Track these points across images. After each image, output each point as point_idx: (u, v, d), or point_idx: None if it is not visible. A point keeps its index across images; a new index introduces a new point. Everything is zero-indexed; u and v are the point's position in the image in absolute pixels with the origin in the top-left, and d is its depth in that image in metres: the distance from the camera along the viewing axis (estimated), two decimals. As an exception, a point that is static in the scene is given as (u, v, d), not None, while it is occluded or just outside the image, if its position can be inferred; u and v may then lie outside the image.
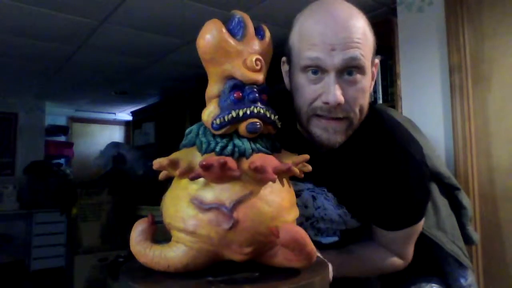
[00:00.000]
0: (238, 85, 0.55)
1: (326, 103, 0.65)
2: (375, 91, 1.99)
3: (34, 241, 3.92)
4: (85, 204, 3.18)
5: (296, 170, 0.56)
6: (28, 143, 4.37)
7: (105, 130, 5.49)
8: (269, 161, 0.54)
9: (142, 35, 2.39)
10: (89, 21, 2.19)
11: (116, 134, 5.57)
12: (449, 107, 1.70)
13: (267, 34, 0.60)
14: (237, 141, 0.54)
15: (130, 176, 3.66)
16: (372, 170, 0.76)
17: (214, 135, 0.56)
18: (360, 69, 0.66)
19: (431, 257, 0.97)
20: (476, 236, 1.06)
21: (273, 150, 0.59)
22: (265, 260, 0.56)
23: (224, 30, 0.55)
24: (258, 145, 0.56)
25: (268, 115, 0.56)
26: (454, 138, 1.69)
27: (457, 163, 1.67)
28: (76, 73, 3.29)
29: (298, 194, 0.81)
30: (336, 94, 0.64)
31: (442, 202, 1.00)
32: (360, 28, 0.67)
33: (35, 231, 3.93)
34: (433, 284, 0.92)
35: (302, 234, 0.52)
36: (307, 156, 0.58)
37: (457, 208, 1.03)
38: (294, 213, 0.58)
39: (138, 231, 0.56)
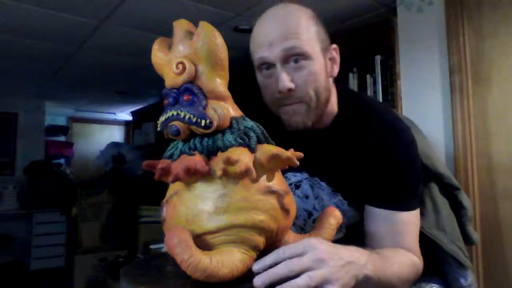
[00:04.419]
0: (165, 93, 0.56)
1: (280, 91, 0.74)
2: (375, 91, 1.99)
3: (34, 241, 3.92)
4: (85, 204, 3.18)
5: (218, 171, 0.51)
6: (28, 143, 4.37)
7: (105, 130, 5.49)
8: (183, 163, 0.52)
9: (142, 35, 2.39)
10: (89, 21, 2.19)
11: (116, 134, 5.57)
12: (449, 107, 1.70)
13: (198, 31, 0.55)
14: (179, 144, 0.57)
15: (130, 176, 3.66)
16: (358, 147, 0.80)
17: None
18: (304, 56, 0.74)
19: (431, 257, 0.97)
20: (476, 236, 1.06)
21: (213, 150, 0.54)
22: None
23: (156, 47, 0.59)
24: (186, 147, 0.55)
25: (182, 116, 0.54)
26: (454, 138, 1.69)
27: (457, 163, 1.67)
28: (76, 73, 3.29)
29: (298, 185, 0.85)
30: (284, 80, 0.73)
31: (442, 202, 1.00)
32: (296, 21, 0.74)
33: (35, 231, 3.93)
34: (433, 284, 0.92)
35: (171, 244, 0.48)
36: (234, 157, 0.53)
37: (457, 208, 1.03)
38: (221, 221, 0.52)
39: None
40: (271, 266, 0.52)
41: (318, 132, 0.82)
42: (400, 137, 0.79)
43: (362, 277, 0.57)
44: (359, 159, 0.79)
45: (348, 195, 0.82)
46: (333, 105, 0.83)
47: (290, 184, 0.86)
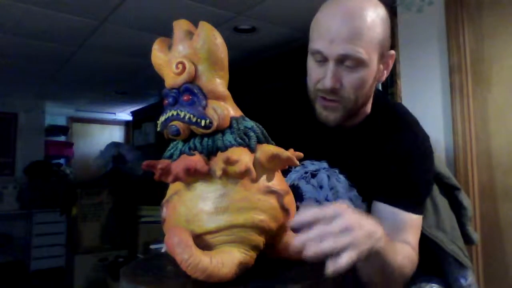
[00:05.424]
0: (164, 93, 0.56)
1: (323, 86, 0.75)
2: (375, 91, 1.99)
3: (34, 241, 3.92)
4: (85, 204, 3.18)
5: (218, 171, 0.51)
6: (28, 143, 4.37)
7: (105, 130, 5.49)
8: (183, 163, 0.51)
9: (142, 35, 2.39)
10: (89, 21, 2.19)
11: (116, 134, 5.57)
12: (449, 107, 1.70)
13: (198, 31, 0.55)
14: (179, 144, 0.56)
15: (130, 176, 3.66)
16: (381, 149, 0.82)
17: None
18: (359, 62, 0.73)
19: (431, 257, 0.97)
20: (476, 236, 1.06)
21: (213, 150, 0.54)
22: None
23: (156, 47, 0.58)
24: (186, 147, 0.55)
25: (182, 116, 0.53)
26: (454, 138, 1.69)
27: (457, 163, 1.67)
28: (76, 73, 3.29)
29: (314, 174, 0.86)
30: (330, 81, 0.73)
31: (442, 202, 1.00)
32: (363, 21, 0.72)
33: (35, 231, 3.93)
34: (433, 284, 0.92)
35: (171, 244, 0.48)
36: (236, 157, 0.53)
37: (457, 208, 1.03)
38: (221, 221, 0.52)
39: None
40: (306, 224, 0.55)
41: (346, 129, 0.84)
42: (421, 148, 0.84)
43: (375, 250, 0.59)
44: (380, 160, 0.82)
45: (364, 191, 0.84)
46: (368, 107, 0.85)
47: (306, 173, 0.87)
